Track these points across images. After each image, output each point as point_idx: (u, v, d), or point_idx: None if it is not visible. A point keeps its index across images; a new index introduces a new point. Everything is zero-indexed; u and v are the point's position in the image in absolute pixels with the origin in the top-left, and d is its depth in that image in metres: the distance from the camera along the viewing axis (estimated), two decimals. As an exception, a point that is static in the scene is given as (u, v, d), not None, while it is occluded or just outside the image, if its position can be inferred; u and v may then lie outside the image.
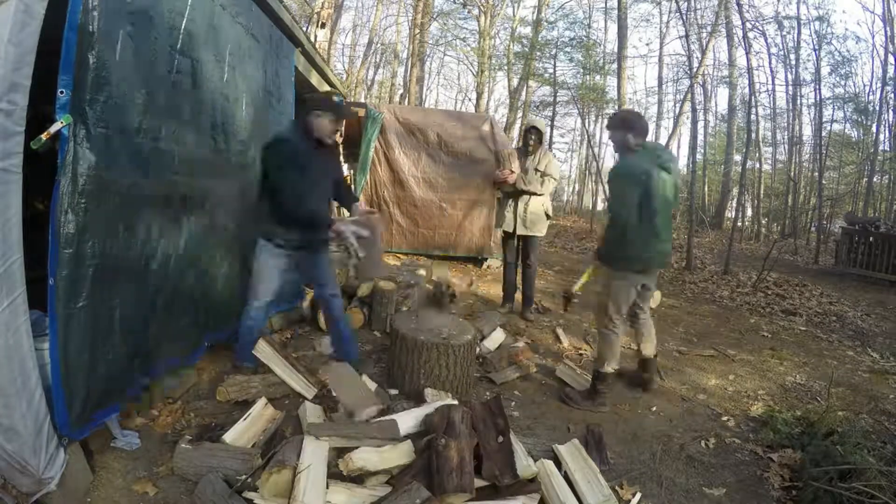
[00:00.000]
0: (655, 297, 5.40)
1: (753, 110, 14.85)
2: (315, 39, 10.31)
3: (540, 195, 4.33)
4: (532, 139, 4.32)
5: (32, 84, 1.47)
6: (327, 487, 1.73)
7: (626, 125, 2.72)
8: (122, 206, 1.85)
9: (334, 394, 2.38)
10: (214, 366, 2.85)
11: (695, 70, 15.66)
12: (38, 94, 1.52)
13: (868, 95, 17.58)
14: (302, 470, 1.69)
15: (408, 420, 2.10)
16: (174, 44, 2.10)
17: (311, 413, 2.30)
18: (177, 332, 2.39)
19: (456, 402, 2.29)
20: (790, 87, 17.29)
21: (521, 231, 4.37)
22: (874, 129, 16.33)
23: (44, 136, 1.52)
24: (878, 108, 15.98)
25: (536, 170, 4.29)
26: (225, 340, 2.92)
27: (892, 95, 15.53)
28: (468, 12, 17.87)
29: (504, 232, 4.52)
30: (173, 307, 2.32)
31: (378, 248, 2.89)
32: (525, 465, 1.95)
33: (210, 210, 2.59)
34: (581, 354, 3.74)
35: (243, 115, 2.89)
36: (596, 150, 19.80)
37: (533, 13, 17.77)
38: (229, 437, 2.04)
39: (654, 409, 2.94)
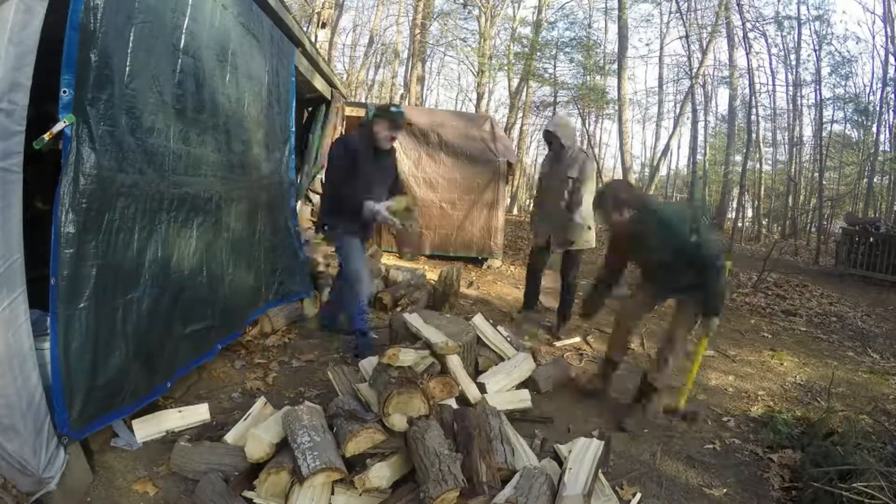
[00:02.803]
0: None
1: (754, 111, 14.87)
2: (316, 40, 10.32)
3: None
4: (553, 145, 3.81)
5: (34, 83, 1.47)
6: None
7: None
8: (125, 206, 1.84)
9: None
10: (213, 366, 2.85)
11: (695, 70, 15.71)
12: (41, 93, 1.52)
13: (868, 96, 17.60)
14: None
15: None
16: (177, 43, 2.10)
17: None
18: (190, 336, 2.36)
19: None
20: (790, 88, 17.32)
21: (556, 246, 3.87)
22: (874, 129, 16.35)
23: (47, 136, 1.52)
24: (878, 108, 16.00)
25: (569, 178, 3.73)
26: (235, 340, 3.03)
27: (893, 96, 15.56)
28: (468, 13, 17.88)
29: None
30: (184, 310, 2.29)
31: (413, 225, 3.24)
32: (527, 464, 1.94)
33: (215, 210, 2.58)
34: (582, 354, 3.74)
35: (246, 114, 2.89)
36: (596, 150, 19.79)
37: (533, 14, 17.79)
38: (230, 437, 2.04)
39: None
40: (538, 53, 16.55)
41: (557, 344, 3.88)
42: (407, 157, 6.62)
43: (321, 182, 5.90)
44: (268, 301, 3.41)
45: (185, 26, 2.13)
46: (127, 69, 1.80)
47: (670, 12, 18.63)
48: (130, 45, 1.80)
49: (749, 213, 20.36)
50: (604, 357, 3.05)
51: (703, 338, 2.73)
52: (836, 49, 16.32)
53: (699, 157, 18.20)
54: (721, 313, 2.61)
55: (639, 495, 2.07)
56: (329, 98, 5.69)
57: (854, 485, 1.86)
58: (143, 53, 1.88)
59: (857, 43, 25.23)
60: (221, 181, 2.63)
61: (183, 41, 2.14)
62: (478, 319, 3.12)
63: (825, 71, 16.19)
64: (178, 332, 2.29)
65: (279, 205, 3.56)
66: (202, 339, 2.52)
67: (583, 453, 1.98)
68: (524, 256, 8.08)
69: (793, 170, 17.11)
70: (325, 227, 3.18)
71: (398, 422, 1.88)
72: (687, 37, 16.50)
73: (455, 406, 2.22)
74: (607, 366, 2.99)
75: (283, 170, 3.61)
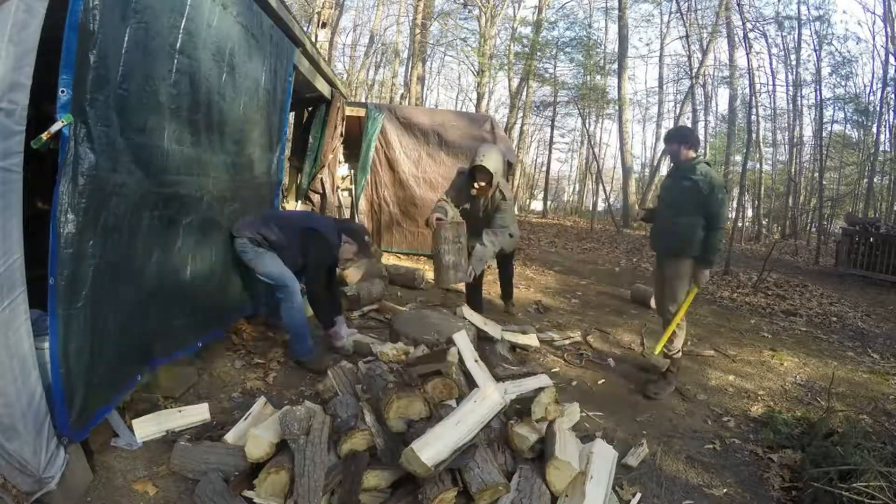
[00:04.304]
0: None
1: (754, 111, 14.85)
2: (316, 40, 10.32)
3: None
4: (478, 184, 3.96)
5: (33, 83, 1.47)
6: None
7: (683, 139, 3.18)
8: (122, 206, 1.84)
9: None
10: (213, 366, 2.85)
11: (695, 70, 15.72)
12: (40, 93, 1.52)
13: (868, 96, 17.59)
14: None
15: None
16: (175, 43, 2.10)
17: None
18: (173, 330, 2.39)
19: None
20: (790, 88, 17.31)
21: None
22: (874, 129, 16.34)
23: (44, 136, 1.52)
24: (878, 108, 15.98)
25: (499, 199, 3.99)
26: (220, 337, 3.03)
27: (893, 96, 15.54)
28: (468, 13, 17.90)
29: None
30: (171, 306, 2.32)
31: None
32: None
33: (209, 210, 2.59)
34: (582, 354, 3.74)
35: (242, 115, 2.89)
36: (596, 150, 19.79)
37: (533, 13, 17.80)
38: (231, 436, 2.04)
39: (655, 409, 2.94)
40: (538, 53, 16.56)
41: (557, 344, 3.87)
42: (407, 157, 6.62)
43: (321, 181, 5.91)
44: (252, 305, 3.39)
45: (182, 26, 2.13)
46: (131, 68, 1.80)
47: (670, 12, 18.66)
48: (134, 44, 1.80)
49: (749, 213, 20.36)
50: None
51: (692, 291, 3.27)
52: (836, 49, 16.34)
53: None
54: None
55: (639, 495, 2.07)
56: (329, 98, 5.69)
57: (854, 485, 1.86)
58: (147, 53, 1.88)
59: (857, 43, 25.29)
60: (213, 181, 2.63)
61: (182, 41, 2.13)
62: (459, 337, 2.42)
63: (825, 71, 16.21)
64: (166, 326, 2.32)
65: (267, 207, 3.56)
66: (185, 334, 2.54)
67: (601, 464, 1.94)
68: (524, 256, 8.08)
69: (793, 170, 17.10)
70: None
71: (396, 424, 1.88)
72: (687, 37, 16.52)
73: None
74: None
75: (273, 170, 3.61)
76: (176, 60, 2.13)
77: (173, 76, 2.13)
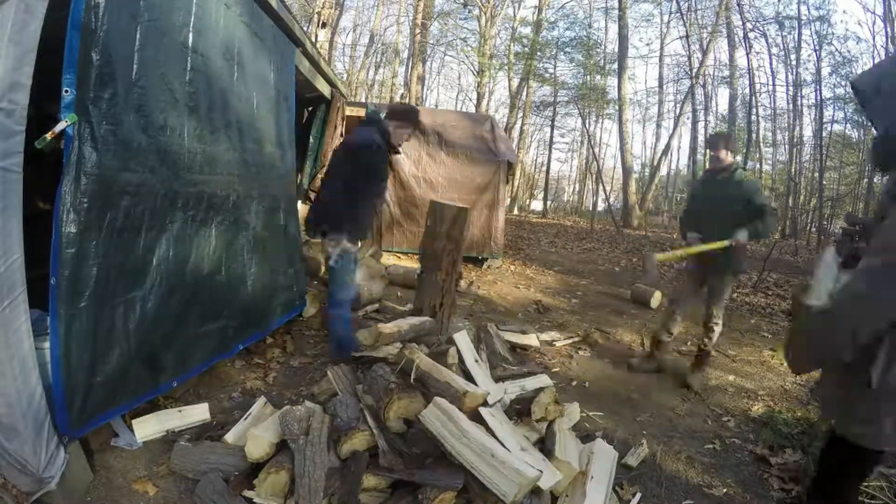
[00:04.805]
0: (655, 297, 5.40)
1: (754, 111, 14.87)
2: (316, 40, 10.32)
3: None
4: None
5: (36, 83, 1.47)
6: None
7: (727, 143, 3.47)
8: (130, 205, 1.83)
9: None
10: (213, 366, 2.85)
11: (695, 70, 15.71)
12: (43, 92, 1.52)
13: (869, 96, 17.52)
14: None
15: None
16: (180, 41, 2.09)
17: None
18: (200, 337, 2.35)
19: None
20: (790, 88, 17.31)
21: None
22: (874, 129, 16.30)
23: (49, 136, 1.52)
24: (878, 108, 15.93)
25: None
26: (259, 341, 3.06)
27: (893, 96, 15.49)
28: (468, 13, 17.91)
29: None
30: (192, 310, 2.27)
31: None
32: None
33: (233, 209, 2.56)
34: (579, 351, 3.74)
35: (254, 113, 2.87)
36: (596, 150, 19.79)
37: (533, 13, 17.81)
38: (231, 436, 2.04)
39: (654, 409, 2.94)
40: (538, 53, 16.57)
41: (558, 344, 3.88)
42: (407, 157, 6.62)
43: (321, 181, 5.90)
44: (292, 307, 3.39)
45: (192, 24, 2.12)
46: (134, 67, 1.79)
47: (670, 12, 18.65)
48: (137, 43, 1.79)
49: (749, 213, 20.32)
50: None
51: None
52: (836, 49, 16.32)
53: (699, 157, 18.20)
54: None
55: (639, 495, 2.07)
56: (329, 98, 5.68)
57: (854, 485, 1.86)
58: (150, 52, 1.87)
59: (857, 43, 25.19)
60: (239, 179, 2.61)
61: (191, 39, 2.12)
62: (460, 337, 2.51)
63: (825, 71, 16.19)
64: (190, 332, 2.27)
65: (292, 206, 3.53)
66: (219, 339, 2.50)
67: (601, 464, 1.96)
68: (524, 256, 8.08)
69: (793, 170, 17.10)
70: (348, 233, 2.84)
71: (396, 424, 1.88)
72: (687, 37, 16.52)
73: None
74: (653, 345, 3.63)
75: (291, 169, 3.61)
76: (190, 59, 2.13)
77: (188, 74, 2.12)
